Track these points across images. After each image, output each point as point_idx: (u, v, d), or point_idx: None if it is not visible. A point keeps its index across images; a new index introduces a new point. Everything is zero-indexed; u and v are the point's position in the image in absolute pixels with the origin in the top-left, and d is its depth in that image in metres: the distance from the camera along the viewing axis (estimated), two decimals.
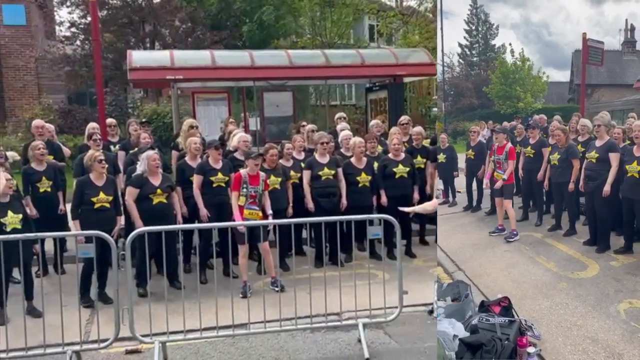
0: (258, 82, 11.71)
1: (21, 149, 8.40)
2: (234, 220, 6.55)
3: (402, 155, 7.97)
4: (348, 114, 11.21)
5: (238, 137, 7.78)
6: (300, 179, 7.63)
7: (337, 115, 9.96)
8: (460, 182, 10.60)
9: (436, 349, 4.82)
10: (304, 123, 9.53)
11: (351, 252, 7.24)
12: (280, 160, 7.51)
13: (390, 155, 7.98)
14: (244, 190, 6.57)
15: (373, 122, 9.43)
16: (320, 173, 7.53)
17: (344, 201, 7.61)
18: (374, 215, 5.96)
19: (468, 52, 32.99)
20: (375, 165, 7.92)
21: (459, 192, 10.75)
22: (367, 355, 5.08)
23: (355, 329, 5.40)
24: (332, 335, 5.60)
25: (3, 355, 4.74)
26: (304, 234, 7.99)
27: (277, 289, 6.31)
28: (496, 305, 5.28)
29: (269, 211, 6.78)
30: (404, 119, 9.29)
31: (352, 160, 7.80)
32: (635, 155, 6.92)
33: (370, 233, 5.59)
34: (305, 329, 5.51)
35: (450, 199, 10.76)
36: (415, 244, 8.24)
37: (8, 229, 5.74)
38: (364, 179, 7.67)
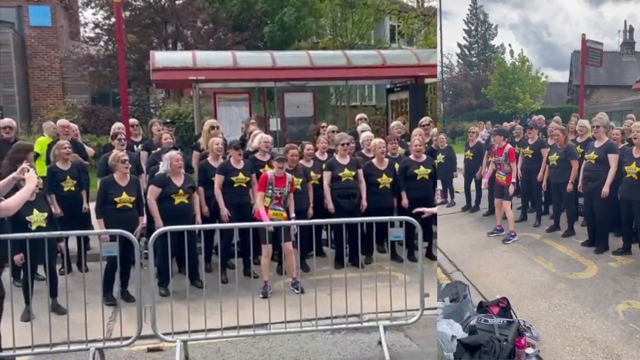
0: (279, 83, 11.75)
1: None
2: (255, 220, 6.57)
3: (424, 156, 7.92)
4: (368, 115, 11.19)
5: (259, 138, 7.80)
6: (320, 179, 7.63)
7: (357, 116, 9.95)
8: (458, 182, 10.59)
9: None
10: (324, 124, 9.54)
11: (371, 254, 7.23)
12: (301, 161, 7.51)
13: (411, 156, 7.94)
14: (269, 191, 6.60)
15: (394, 123, 9.40)
16: (340, 174, 7.51)
17: (364, 202, 7.58)
18: (397, 217, 5.93)
19: (467, 52, 32.80)
20: (396, 166, 7.88)
21: (457, 192, 10.74)
22: (387, 357, 5.05)
23: (375, 331, 5.39)
24: (352, 336, 5.59)
25: (28, 351, 4.82)
26: (324, 234, 7.99)
27: (297, 291, 6.32)
28: (494, 305, 5.28)
29: (292, 214, 6.79)
30: (425, 120, 9.25)
31: (374, 161, 7.78)
32: (634, 156, 6.89)
33: (391, 235, 5.56)
34: (326, 330, 5.51)
35: (449, 199, 10.76)
36: (436, 246, 8.19)
37: (33, 227, 5.81)
38: (385, 180, 7.64)
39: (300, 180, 7.25)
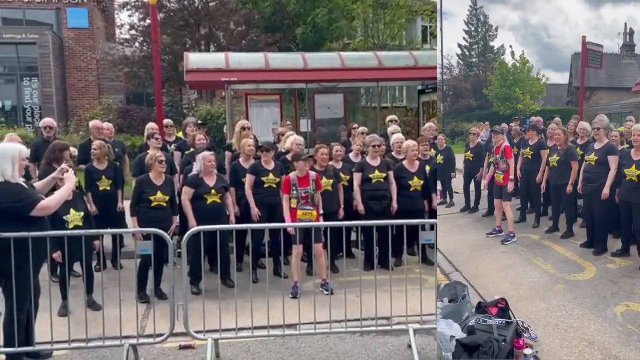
0: (310, 84, 11.80)
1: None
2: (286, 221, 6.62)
3: None
4: (399, 117, 11.14)
5: (291, 140, 7.85)
6: (349, 181, 7.62)
7: (388, 118, 9.93)
8: (458, 183, 10.53)
9: None
10: (356, 125, 9.55)
11: (402, 257, 7.21)
12: (330, 162, 7.51)
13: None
14: (294, 192, 6.63)
15: (427, 126, 9.36)
16: (371, 176, 7.50)
17: (394, 205, 7.55)
18: (428, 220, 5.91)
19: (467, 53, 32.42)
20: (428, 168, 7.84)
21: (457, 193, 10.69)
22: None
23: (405, 334, 5.36)
24: (381, 339, 5.58)
25: (65, 345, 4.95)
26: (353, 236, 7.98)
27: (327, 292, 6.33)
28: (493, 306, 5.29)
29: (321, 211, 6.80)
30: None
31: (405, 163, 7.74)
32: (633, 159, 6.84)
33: (422, 238, 5.54)
34: (355, 332, 5.51)
35: (448, 200, 10.70)
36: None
37: (70, 226, 5.93)
38: (416, 183, 7.59)
39: (331, 181, 7.26)
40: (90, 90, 20.29)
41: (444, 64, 27.66)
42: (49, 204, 4.66)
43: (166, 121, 9.34)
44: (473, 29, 32.21)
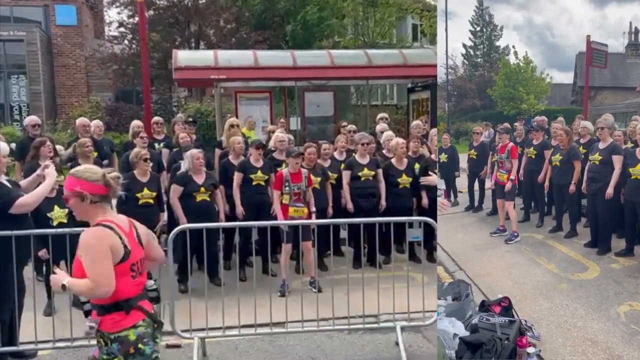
0: (300, 82, 11.77)
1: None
2: (275, 219, 6.59)
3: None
4: (389, 114, 11.15)
5: (274, 138, 7.87)
6: (337, 179, 7.60)
7: (379, 116, 9.93)
8: (461, 182, 10.58)
9: None
10: (345, 123, 9.53)
11: (390, 254, 7.20)
12: (318, 161, 7.49)
13: (432, 156, 7.89)
14: (287, 188, 6.61)
15: (414, 124, 9.35)
16: (360, 174, 7.49)
17: (383, 202, 7.55)
18: (415, 218, 5.90)
19: (472, 53, 32.51)
20: (417, 166, 7.84)
21: (461, 192, 10.74)
22: (404, 358, 5.03)
23: (392, 332, 5.37)
24: (369, 337, 5.58)
25: (50, 345, 4.90)
26: (342, 234, 7.97)
27: (314, 290, 6.32)
28: (496, 305, 5.29)
29: (313, 209, 6.78)
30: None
31: (393, 161, 7.74)
32: (638, 157, 6.86)
33: (409, 235, 5.55)
34: (343, 330, 5.51)
35: (452, 198, 10.74)
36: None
37: (54, 224, 5.87)
38: (404, 180, 7.60)
39: (319, 179, 7.24)
40: (79, 88, 20.12)
41: (448, 64, 27.71)
42: (27, 200, 4.60)
43: (156, 119, 9.29)
44: (478, 28, 32.30)
